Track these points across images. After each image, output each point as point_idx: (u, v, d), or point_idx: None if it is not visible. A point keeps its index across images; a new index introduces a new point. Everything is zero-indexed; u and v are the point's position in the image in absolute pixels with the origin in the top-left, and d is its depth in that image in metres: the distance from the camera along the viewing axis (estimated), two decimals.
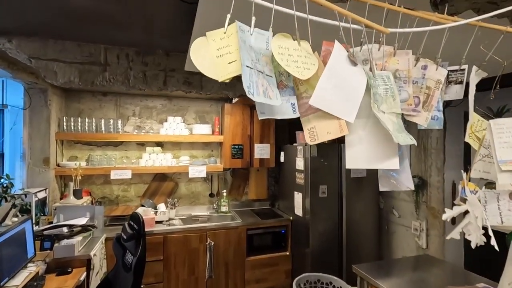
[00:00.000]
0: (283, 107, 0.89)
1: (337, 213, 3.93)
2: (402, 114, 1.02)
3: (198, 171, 4.24)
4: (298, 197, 4.11)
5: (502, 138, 0.99)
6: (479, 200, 1.03)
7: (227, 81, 0.74)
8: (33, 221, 3.05)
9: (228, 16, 0.72)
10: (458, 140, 3.56)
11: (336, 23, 0.84)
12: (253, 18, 0.76)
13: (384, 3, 0.95)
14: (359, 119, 0.92)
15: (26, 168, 3.38)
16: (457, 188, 1.12)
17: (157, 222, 3.88)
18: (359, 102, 0.89)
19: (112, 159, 4.03)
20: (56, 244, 2.75)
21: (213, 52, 0.73)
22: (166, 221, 3.95)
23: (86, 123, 3.81)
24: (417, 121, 1.07)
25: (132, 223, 2.74)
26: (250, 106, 4.47)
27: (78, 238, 2.93)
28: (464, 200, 1.08)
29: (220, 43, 0.74)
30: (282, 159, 4.61)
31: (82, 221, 3.10)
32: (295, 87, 0.93)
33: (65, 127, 3.73)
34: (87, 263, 2.79)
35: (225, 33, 0.74)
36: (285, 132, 4.95)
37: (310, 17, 0.81)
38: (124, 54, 3.48)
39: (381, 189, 1.12)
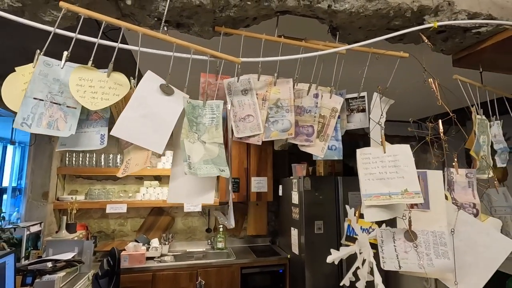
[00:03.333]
0: (91, 139, 0.87)
1: None
2: (297, 144, 0.95)
3: (193, 205, 4.20)
4: (294, 233, 3.90)
5: (368, 169, 0.87)
6: (380, 240, 0.89)
7: None
8: (22, 255, 3.13)
9: (38, 51, 0.75)
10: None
11: (170, 53, 0.84)
12: (65, 53, 0.79)
13: (262, 34, 0.94)
14: (184, 150, 0.88)
15: (25, 202, 3.56)
16: (344, 226, 0.99)
17: (149, 258, 3.81)
18: (170, 132, 0.86)
19: (110, 193, 4.14)
20: (37, 280, 2.76)
21: (20, 86, 0.76)
22: (158, 257, 3.87)
23: (87, 158, 4.00)
24: (312, 152, 0.99)
25: (109, 259, 2.71)
26: None
27: (61, 273, 2.92)
28: (354, 240, 0.94)
29: (29, 77, 0.77)
30: (280, 193, 4.47)
31: (68, 256, 3.12)
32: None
33: (67, 162, 3.94)
34: None
35: (34, 67, 0.77)
36: (285, 165, 4.86)
37: (142, 49, 0.82)
38: None
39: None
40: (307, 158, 4.45)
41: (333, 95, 1.03)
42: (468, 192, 0.94)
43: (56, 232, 3.78)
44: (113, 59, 0.81)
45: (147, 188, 4.22)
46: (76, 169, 3.91)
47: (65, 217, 3.54)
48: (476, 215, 0.93)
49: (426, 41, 0.93)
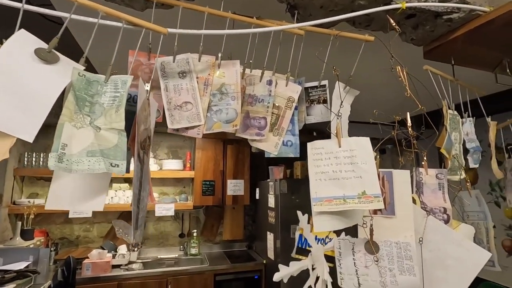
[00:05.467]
0: None
1: None
2: (247, 139, 0.82)
3: (165, 209, 3.99)
4: (270, 238, 3.77)
5: (319, 166, 0.75)
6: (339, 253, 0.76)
7: None
8: None
9: None
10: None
11: (65, 15, 0.69)
12: None
13: (205, 7, 0.81)
14: (58, 137, 0.71)
15: None
16: (295, 236, 0.87)
17: (115, 266, 3.56)
18: (45, 113, 0.69)
19: None
20: None
21: None
22: (125, 265, 3.62)
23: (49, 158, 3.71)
24: (264, 148, 0.86)
25: (64, 269, 2.47)
26: (223, 140, 4.34)
27: (10, 286, 2.64)
28: (306, 253, 0.82)
29: None
30: (257, 196, 4.34)
31: (21, 265, 2.84)
32: None
33: (25, 163, 3.63)
34: None
35: None
36: (263, 167, 4.73)
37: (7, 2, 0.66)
38: None
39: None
40: (285, 161, 4.35)
41: (290, 82, 0.90)
42: (438, 195, 0.84)
43: (11, 239, 3.46)
44: None
45: (116, 191, 3.97)
46: (36, 170, 3.62)
47: (19, 223, 3.24)
48: (447, 222, 0.82)
49: (393, 24, 0.83)
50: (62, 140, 0.69)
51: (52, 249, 3.53)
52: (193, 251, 4.12)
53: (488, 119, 1.22)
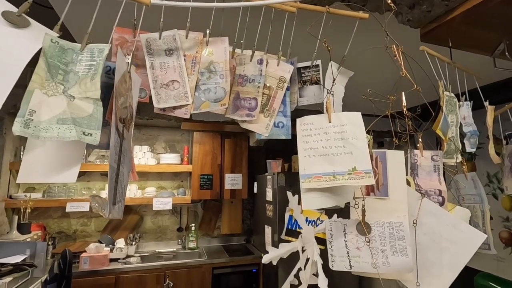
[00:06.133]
0: None
1: None
2: (237, 120, 0.80)
3: (163, 203, 3.98)
4: (268, 231, 3.76)
5: (308, 142, 0.72)
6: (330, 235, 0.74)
7: None
8: None
9: None
10: None
11: None
12: None
13: None
14: (26, 102, 0.67)
15: None
16: (285, 217, 0.85)
17: (113, 260, 3.56)
18: (12, 81, 0.65)
19: (71, 190, 3.84)
20: None
21: None
22: (123, 258, 3.62)
23: None
24: (254, 129, 0.83)
25: (60, 262, 2.46)
26: (221, 134, 4.32)
27: (7, 279, 2.64)
28: (297, 234, 0.80)
29: None
30: (255, 190, 4.33)
31: (17, 259, 2.83)
32: None
33: (21, 157, 3.61)
34: None
35: None
36: (262, 161, 4.72)
37: None
38: None
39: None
40: (284, 155, 4.33)
41: (281, 62, 0.87)
42: (433, 177, 0.82)
43: (7, 233, 3.45)
44: None
45: None
46: None
47: (16, 217, 3.22)
48: (442, 204, 0.81)
49: (389, 2, 0.81)
50: (30, 106, 0.65)
51: (49, 243, 3.52)
52: (191, 245, 4.12)
53: (486, 103, 1.20)
